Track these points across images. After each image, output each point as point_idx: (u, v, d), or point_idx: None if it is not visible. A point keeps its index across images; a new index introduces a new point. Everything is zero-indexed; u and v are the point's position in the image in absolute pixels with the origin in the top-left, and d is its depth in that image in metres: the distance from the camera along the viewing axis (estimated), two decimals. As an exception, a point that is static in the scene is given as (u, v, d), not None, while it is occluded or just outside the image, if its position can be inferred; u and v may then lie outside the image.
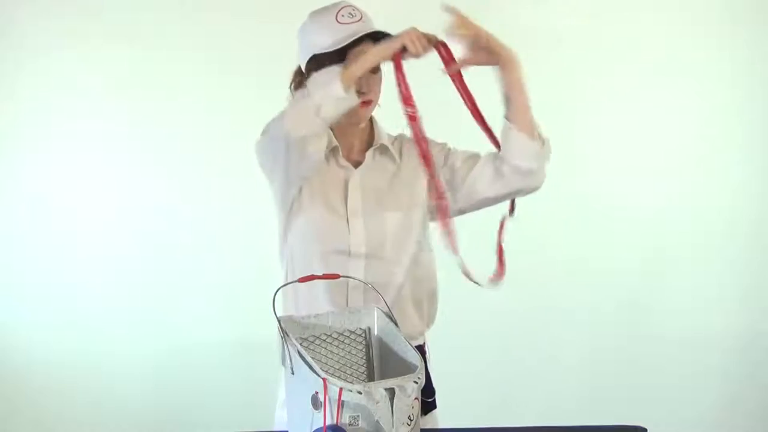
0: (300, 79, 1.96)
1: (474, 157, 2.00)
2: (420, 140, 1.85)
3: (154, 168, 3.12)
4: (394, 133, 2.07)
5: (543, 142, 1.94)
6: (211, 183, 3.10)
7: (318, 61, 1.89)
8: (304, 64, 1.94)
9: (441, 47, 1.88)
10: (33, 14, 3.03)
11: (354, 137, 2.01)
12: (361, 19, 1.91)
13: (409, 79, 1.84)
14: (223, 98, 3.02)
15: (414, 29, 1.84)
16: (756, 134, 3.22)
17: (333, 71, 1.81)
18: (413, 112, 1.84)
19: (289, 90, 1.98)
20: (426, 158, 1.87)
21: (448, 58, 1.89)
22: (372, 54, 1.84)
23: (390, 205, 1.98)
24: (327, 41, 1.88)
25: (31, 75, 3.06)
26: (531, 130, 1.91)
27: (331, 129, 1.99)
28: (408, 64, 1.85)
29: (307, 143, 1.83)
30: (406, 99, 1.84)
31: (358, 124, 1.98)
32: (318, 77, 1.83)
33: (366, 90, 1.91)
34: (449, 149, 2.04)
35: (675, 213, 3.21)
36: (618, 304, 3.22)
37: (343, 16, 1.91)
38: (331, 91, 1.78)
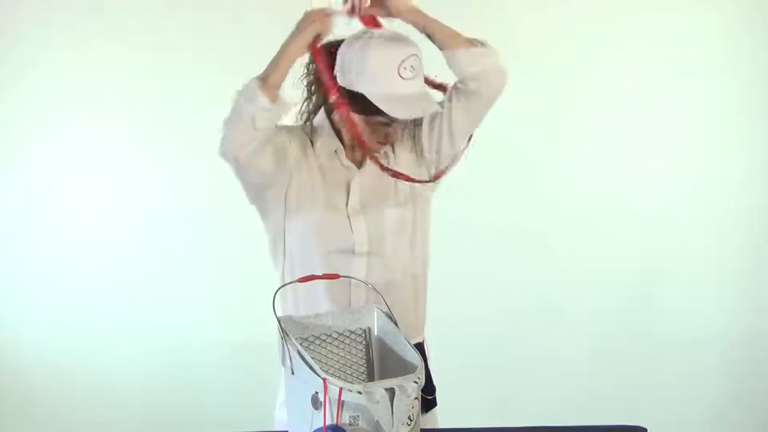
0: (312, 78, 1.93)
1: (438, 113, 1.98)
2: (352, 126, 1.86)
3: (155, 168, 3.12)
4: None
5: (483, 43, 1.91)
6: (211, 182, 3.09)
7: (356, 96, 1.84)
8: (342, 79, 1.85)
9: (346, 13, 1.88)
10: (33, 14, 3.03)
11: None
12: (419, 72, 1.86)
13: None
14: (224, 98, 3.01)
15: (314, 12, 1.84)
16: (756, 134, 3.22)
17: (253, 85, 1.79)
18: (339, 100, 1.84)
19: (303, 82, 1.95)
20: (361, 142, 1.87)
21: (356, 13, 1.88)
22: (289, 54, 1.83)
23: (388, 203, 1.98)
24: (380, 90, 1.82)
25: (30, 75, 3.06)
26: (467, 43, 1.89)
27: (336, 130, 1.98)
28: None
29: (259, 158, 1.85)
30: (329, 89, 1.84)
31: None
32: (245, 88, 1.81)
33: (398, 138, 1.93)
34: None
35: (675, 213, 3.21)
36: (618, 304, 3.22)
37: (405, 69, 1.82)
38: (259, 104, 1.78)
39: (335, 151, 1.97)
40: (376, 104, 1.82)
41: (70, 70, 3.06)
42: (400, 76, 1.82)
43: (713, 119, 3.20)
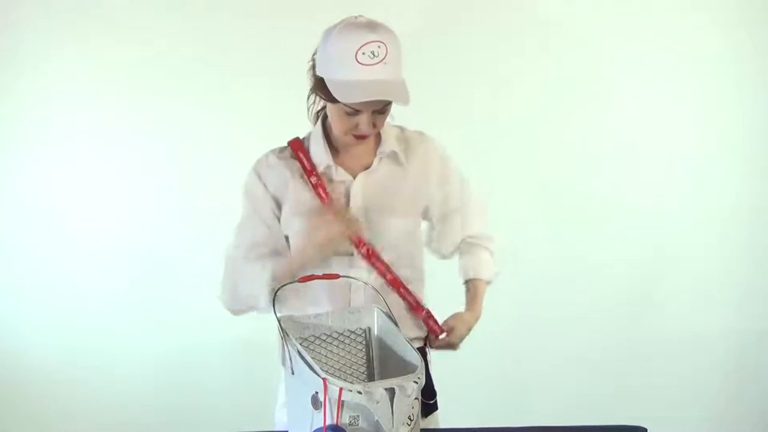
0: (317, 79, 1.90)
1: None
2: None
3: (155, 167, 3.12)
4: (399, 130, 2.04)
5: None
6: (212, 182, 3.09)
7: (322, 81, 1.84)
8: (317, 72, 1.87)
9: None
10: (33, 14, 3.03)
11: (359, 145, 1.96)
12: (383, 59, 1.77)
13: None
14: (224, 97, 3.02)
15: (345, 230, 1.88)
16: (756, 134, 3.22)
17: (264, 281, 1.92)
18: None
19: (308, 76, 1.93)
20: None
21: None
22: (313, 260, 1.89)
23: (394, 209, 1.97)
24: (336, 76, 1.80)
25: (30, 75, 3.06)
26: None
27: (330, 143, 1.97)
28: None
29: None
30: (371, 256, 1.93)
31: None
32: (259, 275, 1.95)
33: (366, 131, 1.87)
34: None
35: (675, 213, 3.21)
36: (618, 304, 3.22)
37: (363, 54, 1.76)
38: (260, 304, 1.93)
39: (327, 168, 1.96)
40: (329, 88, 1.80)
41: (71, 70, 3.05)
42: (358, 62, 1.76)
43: (714, 118, 3.20)
